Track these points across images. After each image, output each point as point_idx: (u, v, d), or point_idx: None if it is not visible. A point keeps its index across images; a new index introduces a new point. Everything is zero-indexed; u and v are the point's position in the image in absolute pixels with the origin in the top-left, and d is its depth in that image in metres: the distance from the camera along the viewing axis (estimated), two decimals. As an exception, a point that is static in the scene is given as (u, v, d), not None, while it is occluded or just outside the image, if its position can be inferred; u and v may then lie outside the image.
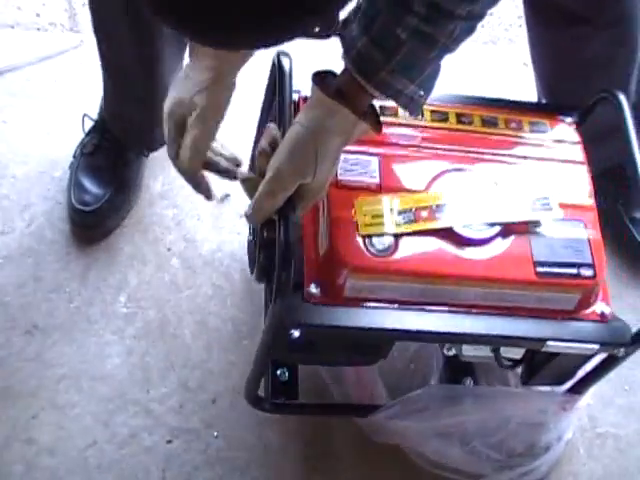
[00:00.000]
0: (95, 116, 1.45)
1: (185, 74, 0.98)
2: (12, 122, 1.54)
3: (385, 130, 0.97)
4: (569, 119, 1.13)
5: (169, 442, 1.25)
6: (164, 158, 1.48)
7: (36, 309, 1.34)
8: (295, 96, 1.06)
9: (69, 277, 1.38)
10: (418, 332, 0.98)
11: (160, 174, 1.49)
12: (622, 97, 1.08)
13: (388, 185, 1.01)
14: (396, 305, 0.98)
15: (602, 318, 1.02)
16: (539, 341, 1.00)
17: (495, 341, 1.04)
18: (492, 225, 0.99)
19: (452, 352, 1.07)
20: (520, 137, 1.10)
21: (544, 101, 1.38)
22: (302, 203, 0.92)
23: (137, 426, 1.26)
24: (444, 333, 0.99)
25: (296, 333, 0.96)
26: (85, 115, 1.45)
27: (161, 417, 1.26)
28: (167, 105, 0.98)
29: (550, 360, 1.06)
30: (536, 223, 1.01)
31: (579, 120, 1.14)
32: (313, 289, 0.97)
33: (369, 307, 0.97)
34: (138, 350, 1.32)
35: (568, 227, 1.02)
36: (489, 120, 1.10)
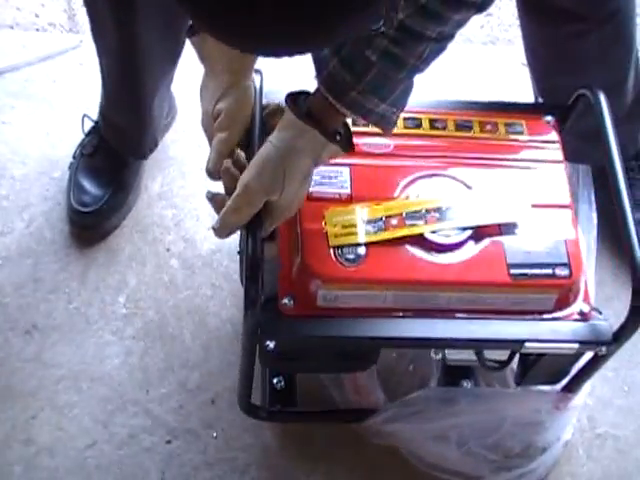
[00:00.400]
0: (95, 117, 1.45)
1: (203, 85, 1.01)
2: (11, 123, 1.54)
3: (357, 140, 0.98)
4: (548, 118, 1.13)
5: (168, 442, 1.25)
6: (162, 159, 1.50)
7: (35, 309, 1.34)
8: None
9: (68, 278, 1.38)
10: (389, 339, 0.99)
11: (159, 175, 1.49)
12: (601, 95, 1.07)
13: (359, 195, 1.02)
14: (369, 313, 0.98)
15: (582, 317, 1.02)
16: (517, 342, 1.01)
17: (471, 344, 1.04)
18: (463, 229, 1.00)
19: (439, 356, 1.07)
20: (495, 139, 1.10)
21: (541, 100, 1.37)
22: (270, 220, 0.94)
23: (136, 426, 1.26)
24: (417, 339, 1.00)
25: (271, 345, 0.97)
26: (85, 116, 1.45)
27: (160, 417, 1.26)
28: (201, 121, 1.01)
29: (539, 360, 1.06)
30: (510, 225, 1.01)
31: (560, 118, 1.14)
32: (286, 301, 0.98)
33: (341, 317, 0.98)
34: (137, 351, 1.32)
35: (544, 227, 1.02)
36: (463, 124, 1.10)
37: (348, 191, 1.02)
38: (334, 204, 1.00)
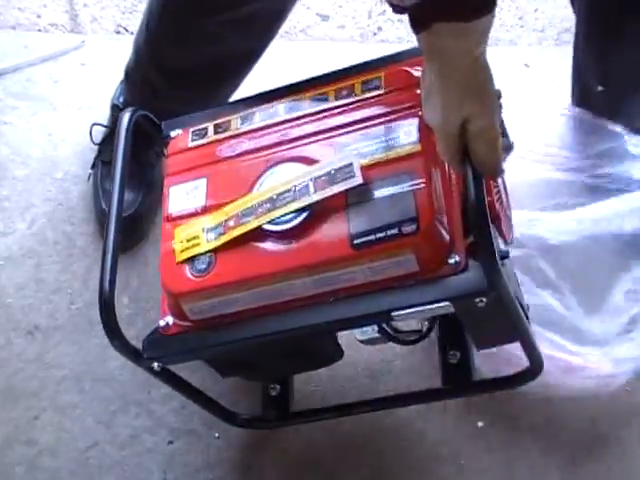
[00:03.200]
0: (99, 120, 1.43)
1: None
2: (13, 123, 1.54)
3: (215, 147, 0.97)
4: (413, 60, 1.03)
5: (170, 443, 1.25)
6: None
7: (37, 310, 1.35)
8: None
9: (70, 278, 1.38)
10: (256, 337, 0.97)
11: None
12: None
13: (212, 204, 0.99)
14: (240, 317, 0.97)
15: (456, 270, 0.90)
16: (383, 314, 0.93)
17: (336, 326, 0.99)
18: (299, 212, 0.94)
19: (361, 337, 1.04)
20: (351, 104, 1.01)
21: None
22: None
23: (138, 427, 1.26)
24: (281, 331, 0.96)
25: (156, 367, 1.00)
26: (94, 124, 1.43)
27: (162, 418, 1.27)
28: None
29: (472, 322, 0.99)
30: (353, 192, 0.93)
31: None
32: (164, 322, 1.00)
33: (213, 327, 0.98)
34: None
35: (392, 185, 0.93)
36: (318, 99, 1.03)
37: (203, 203, 1.00)
38: (189, 220, 0.99)
